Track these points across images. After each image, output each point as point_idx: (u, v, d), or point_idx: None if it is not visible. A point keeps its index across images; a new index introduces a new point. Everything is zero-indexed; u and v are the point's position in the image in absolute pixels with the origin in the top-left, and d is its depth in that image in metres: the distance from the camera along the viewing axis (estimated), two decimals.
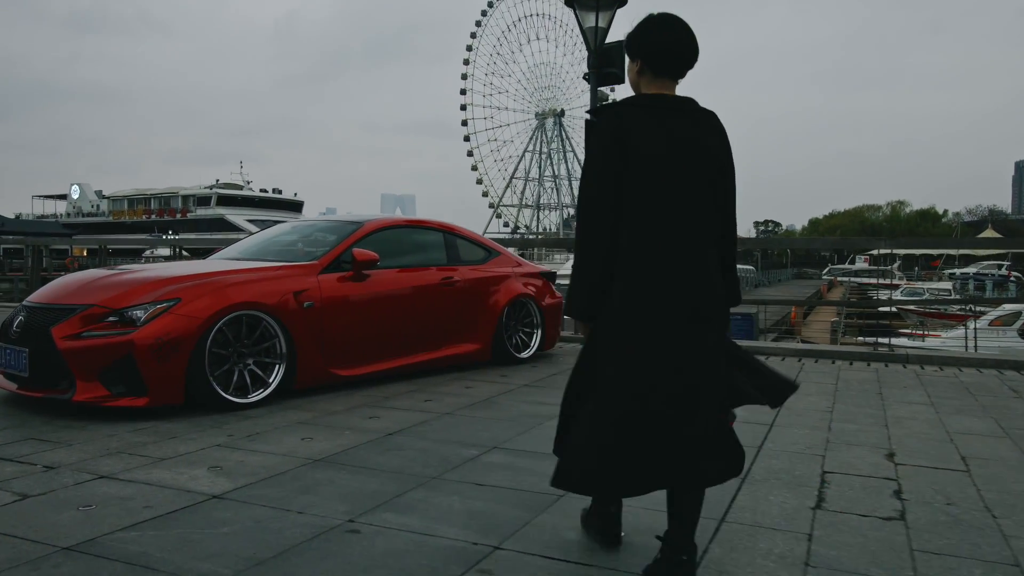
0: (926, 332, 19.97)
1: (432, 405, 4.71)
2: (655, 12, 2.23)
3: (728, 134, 2.26)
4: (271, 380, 4.66)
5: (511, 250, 7.22)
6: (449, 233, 6.31)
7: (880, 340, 12.21)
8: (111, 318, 4.22)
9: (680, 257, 2.10)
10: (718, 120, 2.24)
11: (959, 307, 28.00)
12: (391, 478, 3.18)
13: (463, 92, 71.81)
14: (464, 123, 71.92)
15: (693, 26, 2.24)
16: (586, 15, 7.26)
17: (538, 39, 75.08)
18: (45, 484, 3.02)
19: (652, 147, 2.10)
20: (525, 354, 6.56)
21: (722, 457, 2.16)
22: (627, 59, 2.29)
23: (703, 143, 2.17)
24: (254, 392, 4.57)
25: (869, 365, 6.88)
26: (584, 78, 7.47)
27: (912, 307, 27.20)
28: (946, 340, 16.68)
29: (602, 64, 7.22)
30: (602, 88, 7.31)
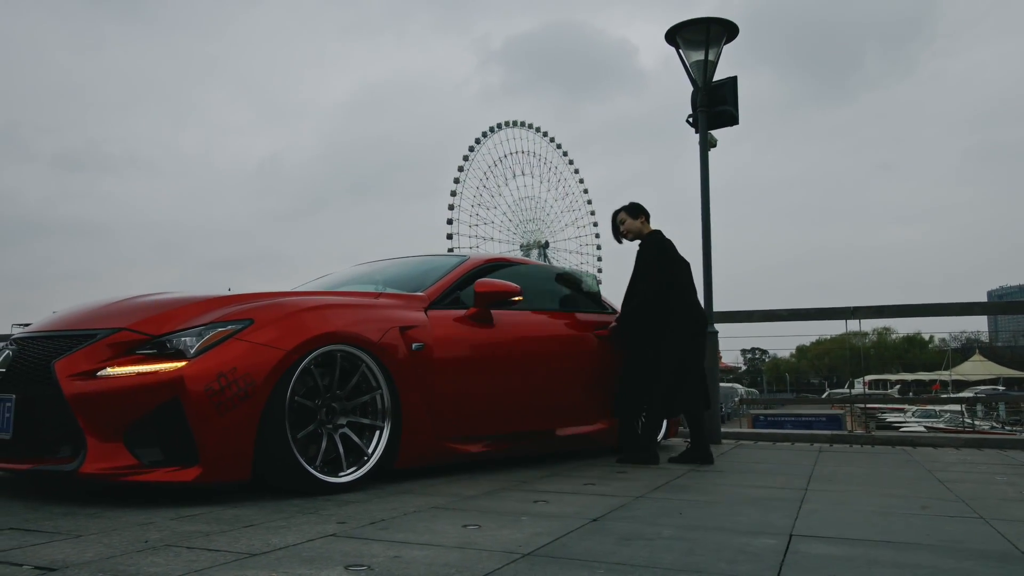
0: None
1: (602, 488, 3.22)
2: (634, 202, 4.69)
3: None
4: (371, 450, 3.16)
5: None
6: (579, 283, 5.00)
7: None
8: (146, 349, 2.78)
9: (693, 301, 4.52)
10: None
11: (990, 424, 27.11)
12: None
13: (450, 222, 72.71)
14: (451, 251, 72.46)
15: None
16: (691, 52, 6.37)
17: (523, 175, 77.49)
18: None
19: (675, 251, 4.55)
20: None
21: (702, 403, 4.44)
22: (632, 218, 4.61)
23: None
24: (348, 469, 3.07)
25: None
26: (687, 122, 6.47)
27: (941, 426, 26.17)
28: None
29: (712, 103, 6.25)
30: (713, 131, 6.25)
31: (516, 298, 3.81)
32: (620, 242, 4.68)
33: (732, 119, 6.32)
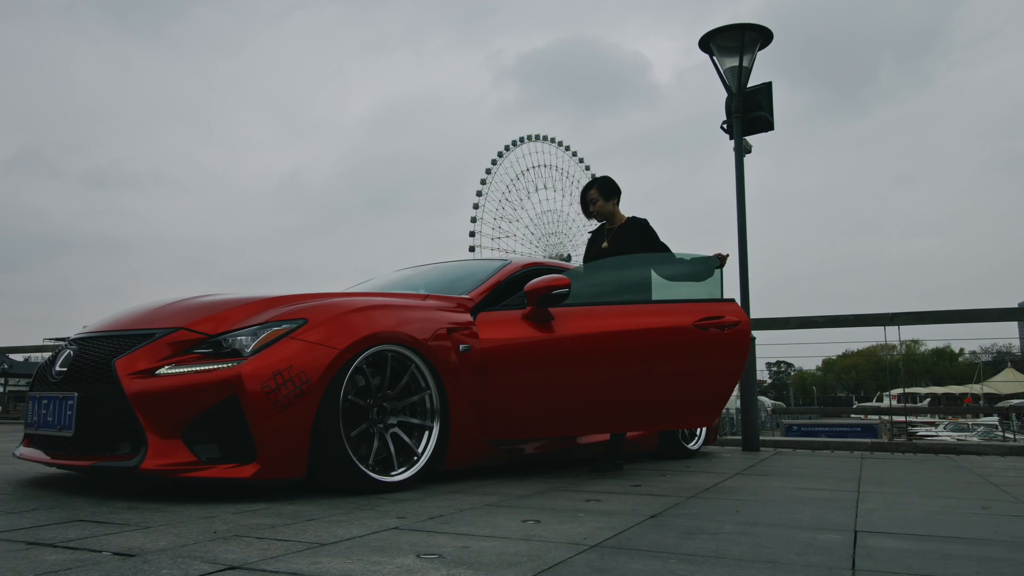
0: None
1: (650, 489, 3.20)
2: (608, 177, 4.43)
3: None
4: (420, 450, 3.18)
5: None
6: None
7: None
8: (203, 348, 2.83)
9: None
10: None
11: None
12: (770, 572, 1.69)
13: (472, 235, 72.90)
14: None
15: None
16: (725, 59, 6.37)
17: (545, 188, 77.51)
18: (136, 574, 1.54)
19: None
20: (693, 445, 5.06)
21: None
22: (604, 199, 4.36)
23: None
24: (399, 468, 3.09)
25: None
26: (722, 128, 6.47)
27: (975, 440, 25.76)
28: None
29: (748, 108, 6.24)
30: (748, 137, 6.22)
31: (562, 290, 3.58)
32: (589, 218, 4.41)
33: (767, 124, 6.32)
